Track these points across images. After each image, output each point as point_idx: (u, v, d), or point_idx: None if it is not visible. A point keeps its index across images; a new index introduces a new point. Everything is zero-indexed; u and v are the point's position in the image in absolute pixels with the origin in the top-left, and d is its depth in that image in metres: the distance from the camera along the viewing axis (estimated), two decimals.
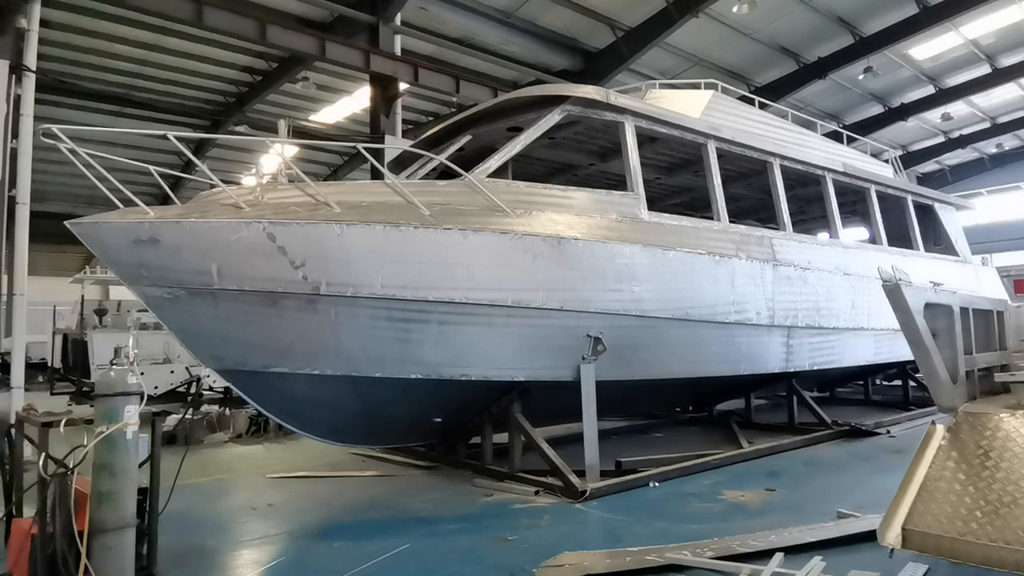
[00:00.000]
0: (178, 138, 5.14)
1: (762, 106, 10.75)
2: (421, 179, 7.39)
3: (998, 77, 18.97)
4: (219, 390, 10.82)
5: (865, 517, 4.53)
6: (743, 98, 11.20)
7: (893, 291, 3.89)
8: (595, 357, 6.26)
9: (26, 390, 9.26)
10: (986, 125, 23.84)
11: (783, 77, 17.81)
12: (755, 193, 11.01)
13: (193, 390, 10.42)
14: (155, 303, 5.52)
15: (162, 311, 5.56)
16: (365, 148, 5.59)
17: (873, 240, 10.93)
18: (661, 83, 8.81)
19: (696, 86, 8.93)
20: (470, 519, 5.15)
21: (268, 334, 5.50)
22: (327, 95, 17.34)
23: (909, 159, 26.27)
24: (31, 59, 8.58)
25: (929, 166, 27.97)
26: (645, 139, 8.05)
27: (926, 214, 12.16)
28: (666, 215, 7.20)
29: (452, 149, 7.25)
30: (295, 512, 5.55)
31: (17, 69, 8.25)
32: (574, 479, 5.65)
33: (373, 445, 7.10)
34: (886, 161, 12.50)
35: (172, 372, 12.39)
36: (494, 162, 6.21)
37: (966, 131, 24.35)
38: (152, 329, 13.59)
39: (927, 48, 17.22)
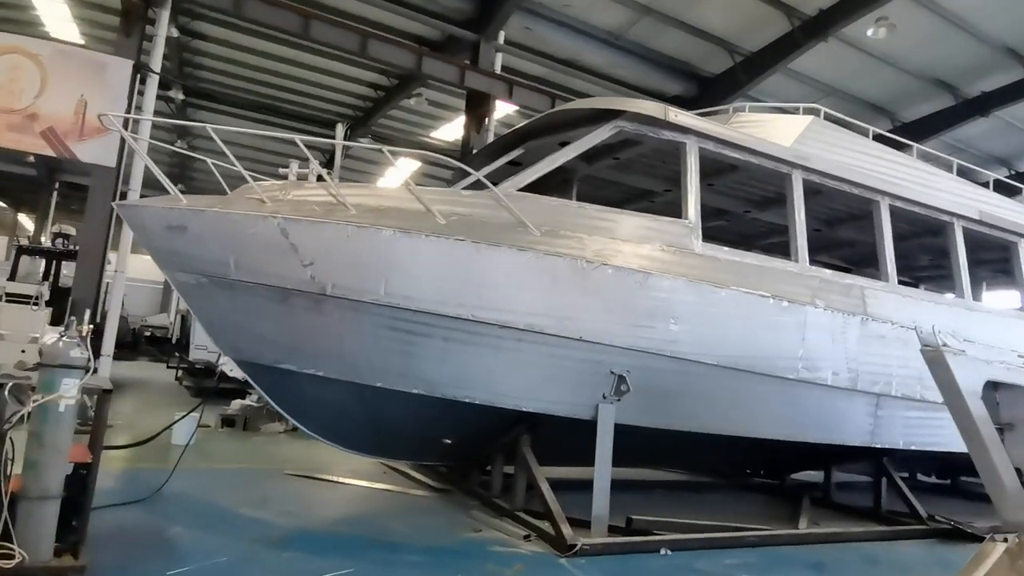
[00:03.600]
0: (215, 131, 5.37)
1: (885, 141, 9.40)
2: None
3: None
4: None
5: None
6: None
7: (933, 359, 3.00)
8: (617, 397, 5.63)
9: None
10: None
11: (935, 113, 15.69)
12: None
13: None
14: (183, 289, 5.75)
15: (189, 297, 5.78)
16: (389, 151, 5.50)
17: None
18: (751, 106, 7.95)
19: (795, 112, 7.96)
20: (436, 553, 4.75)
21: (278, 330, 5.52)
22: (442, 112, 17.90)
23: None
24: (156, 62, 9.57)
25: None
26: (726, 167, 7.31)
27: None
28: (725, 248, 6.40)
29: (502, 161, 6.98)
30: (279, 512, 5.46)
31: (140, 69, 9.19)
32: (566, 529, 5.05)
33: (382, 457, 6.91)
34: None
35: None
36: (525, 176, 5.84)
37: None
38: None
39: None
